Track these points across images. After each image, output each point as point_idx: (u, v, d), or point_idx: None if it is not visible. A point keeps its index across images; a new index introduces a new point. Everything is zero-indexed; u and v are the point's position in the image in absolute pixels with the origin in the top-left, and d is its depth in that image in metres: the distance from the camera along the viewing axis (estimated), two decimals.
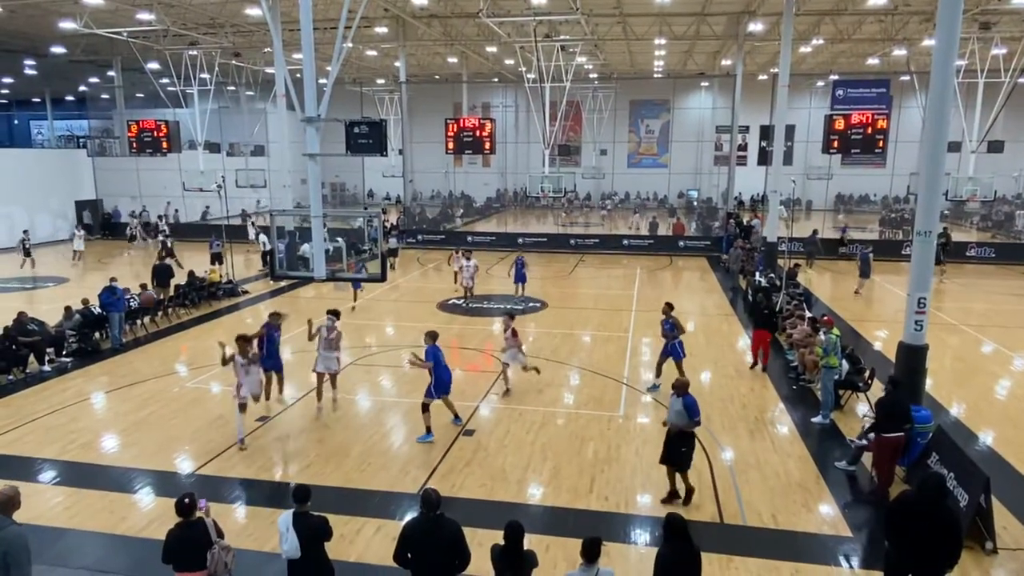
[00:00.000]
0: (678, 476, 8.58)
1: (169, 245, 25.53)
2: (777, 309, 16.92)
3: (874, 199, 48.80)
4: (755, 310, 13.49)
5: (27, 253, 25.73)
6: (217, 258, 23.57)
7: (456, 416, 10.96)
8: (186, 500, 5.83)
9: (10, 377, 13.33)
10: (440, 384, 10.43)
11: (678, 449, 8.43)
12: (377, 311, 19.52)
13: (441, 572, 5.61)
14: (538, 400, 12.27)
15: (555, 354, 15.11)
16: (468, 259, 19.72)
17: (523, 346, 12.56)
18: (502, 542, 5.55)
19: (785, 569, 7.30)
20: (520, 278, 20.54)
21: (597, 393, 12.67)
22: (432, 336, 10.51)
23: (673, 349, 12.32)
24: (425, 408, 10.43)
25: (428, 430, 10.48)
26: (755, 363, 13.95)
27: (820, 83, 43.49)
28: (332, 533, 6.01)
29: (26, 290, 22.29)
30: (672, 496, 8.63)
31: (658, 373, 12.76)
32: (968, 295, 22.19)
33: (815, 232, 27.80)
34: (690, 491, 8.56)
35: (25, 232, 26.88)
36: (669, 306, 12.54)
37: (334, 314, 11.71)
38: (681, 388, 8.54)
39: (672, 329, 12.29)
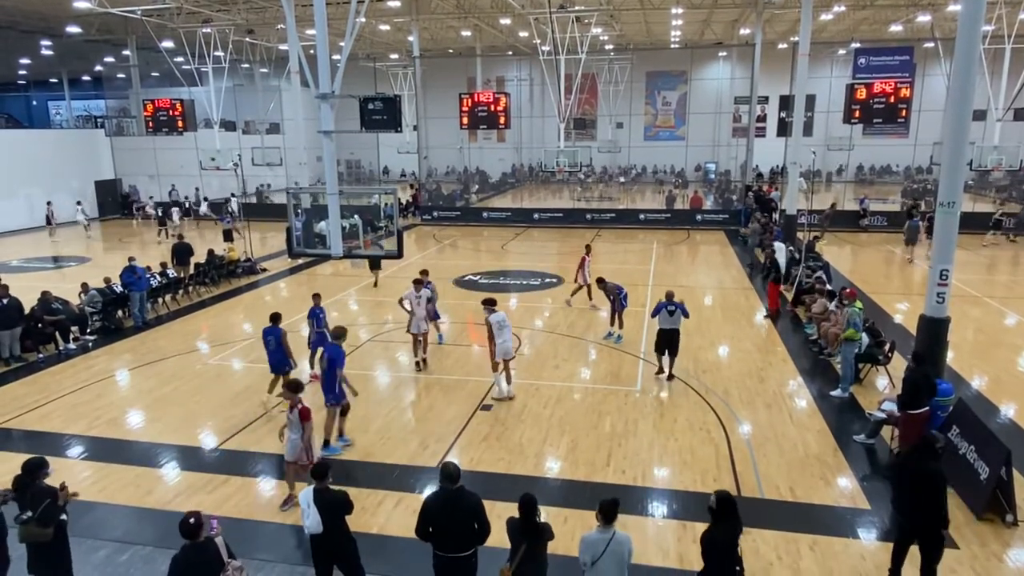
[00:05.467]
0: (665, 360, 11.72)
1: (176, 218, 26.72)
2: (797, 282, 16.89)
3: (896, 169, 47.92)
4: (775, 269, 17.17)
5: (48, 221, 28.31)
6: (227, 235, 23.65)
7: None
8: (191, 520, 5.16)
9: (41, 356, 13.63)
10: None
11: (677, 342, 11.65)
12: (395, 288, 19.57)
13: (462, 544, 5.67)
14: (555, 375, 12.32)
15: (572, 329, 15.13)
16: (426, 283, 13.24)
17: (312, 438, 7.99)
18: (518, 515, 5.61)
19: (803, 541, 7.33)
20: (432, 314, 13.51)
21: (614, 368, 12.69)
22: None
23: (621, 303, 14.31)
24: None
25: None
26: (769, 312, 16.00)
27: (841, 51, 42.28)
28: (352, 507, 6.11)
29: (47, 269, 22.64)
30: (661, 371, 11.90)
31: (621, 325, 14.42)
32: (991, 266, 21.83)
33: (833, 205, 27.39)
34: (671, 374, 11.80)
35: (49, 203, 29.12)
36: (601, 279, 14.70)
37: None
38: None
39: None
